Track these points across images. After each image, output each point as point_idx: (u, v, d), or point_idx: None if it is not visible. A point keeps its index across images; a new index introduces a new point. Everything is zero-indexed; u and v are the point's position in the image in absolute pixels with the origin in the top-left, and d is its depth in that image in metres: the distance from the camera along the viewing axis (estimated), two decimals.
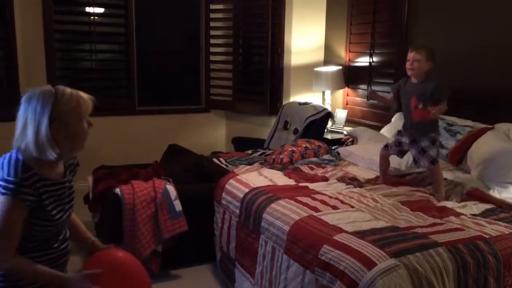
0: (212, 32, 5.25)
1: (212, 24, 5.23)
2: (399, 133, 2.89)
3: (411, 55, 2.71)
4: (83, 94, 1.54)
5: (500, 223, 2.28)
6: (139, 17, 4.87)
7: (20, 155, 1.47)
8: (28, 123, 1.45)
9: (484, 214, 2.42)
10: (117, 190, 3.05)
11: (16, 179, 1.41)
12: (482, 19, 3.39)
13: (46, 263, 1.57)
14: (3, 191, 1.41)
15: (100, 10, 4.79)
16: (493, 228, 2.20)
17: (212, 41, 5.27)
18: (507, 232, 2.15)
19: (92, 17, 4.72)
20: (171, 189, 3.10)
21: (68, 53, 4.84)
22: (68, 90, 1.51)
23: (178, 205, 3.06)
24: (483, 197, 2.67)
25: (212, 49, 5.28)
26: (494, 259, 1.99)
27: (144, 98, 5.03)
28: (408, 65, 2.73)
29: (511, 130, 3.06)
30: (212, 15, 5.20)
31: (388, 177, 3.00)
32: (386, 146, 2.97)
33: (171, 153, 3.96)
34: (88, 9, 4.71)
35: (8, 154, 1.49)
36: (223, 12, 5.25)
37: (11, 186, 1.40)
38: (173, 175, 3.33)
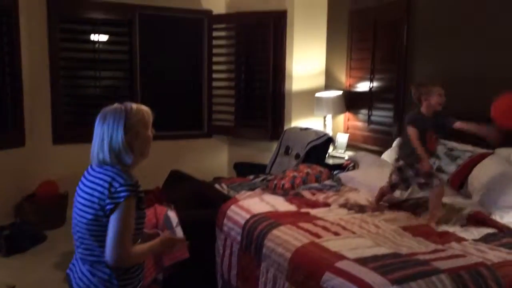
0: (215, 59, 5.33)
1: (214, 50, 5.31)
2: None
3: (443, 91, 2.74)
4: (145, 107, 1.77)
5: (502, 249, 2.27)
6: (143, 44, 4.95)
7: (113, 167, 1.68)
8: (104, 136, 1.67)
9: (486, 239, 2.41)
10: None
11: (133, 181, 1.66)
12: (480, 44, 3.44)
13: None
14: (128, 193, 1.62)
15: (105, 37, 4.88)
16: (495, 254, 2.19)
17: (214, 67, 5.34)
18: (509, 258, 2.15)
19: (97, 45, 4.81)
20: (172, 215, 3.10)
21: (73, 80, 4.90)
22: (134, 105, 1.74)
23: (179, 232, 3.04)
24: (485, 221, 2.66)
25: (214, 75, 5.35)
26: (497, 285, 1.98)
27: None
28: (442, 101, 2.75)
29: None
30: (215, 42, 5.29)
31: (381, 204, 3.02)
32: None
33: (173, 178, 3.97)
34: (93, 37, 4.80)
35: (106, 168, 1.67)
36: (225, 39, 5.34)
37: (132, 188, 1.64)
38: (175, 201, 3.33)
